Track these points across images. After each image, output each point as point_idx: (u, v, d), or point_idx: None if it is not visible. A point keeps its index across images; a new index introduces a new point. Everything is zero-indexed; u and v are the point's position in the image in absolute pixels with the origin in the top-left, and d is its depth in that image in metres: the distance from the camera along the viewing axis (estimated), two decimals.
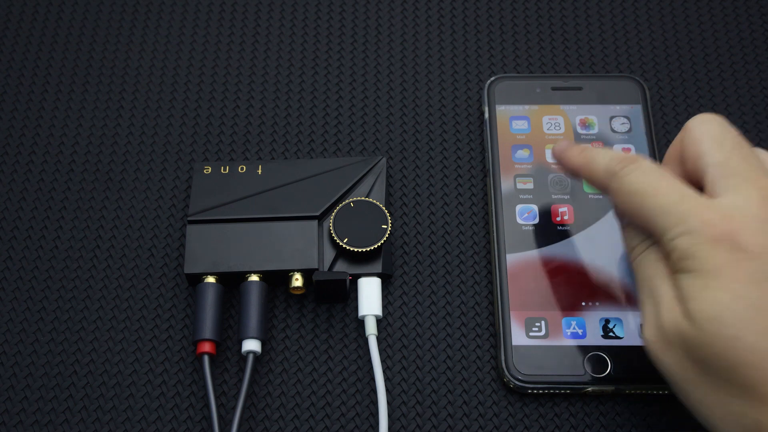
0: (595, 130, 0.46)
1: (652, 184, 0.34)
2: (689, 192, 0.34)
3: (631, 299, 0.42)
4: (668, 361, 0.33)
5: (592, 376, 0.40)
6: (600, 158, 0.37)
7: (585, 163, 0.38)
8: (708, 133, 0.35)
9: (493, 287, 0.43)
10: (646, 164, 0.35)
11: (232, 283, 0.43)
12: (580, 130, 0.46)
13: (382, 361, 0.42)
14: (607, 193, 0.37)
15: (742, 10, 0.52)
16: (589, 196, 0.45)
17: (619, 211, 0.38)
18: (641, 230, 0.36)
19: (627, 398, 0.41)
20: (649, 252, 0.35)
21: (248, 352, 0.41)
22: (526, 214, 0.44)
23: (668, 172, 0.35)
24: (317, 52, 0.51)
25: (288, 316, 0.43)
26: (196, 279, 0.42)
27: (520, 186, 0.45)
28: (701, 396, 0.33)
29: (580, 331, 0.41)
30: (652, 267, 0.35)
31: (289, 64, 0.50)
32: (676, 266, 0.33)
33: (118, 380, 0.42)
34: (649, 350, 0.34)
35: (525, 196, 0.45)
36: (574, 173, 0.39)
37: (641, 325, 0.35)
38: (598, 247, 0.43)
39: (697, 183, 0.36)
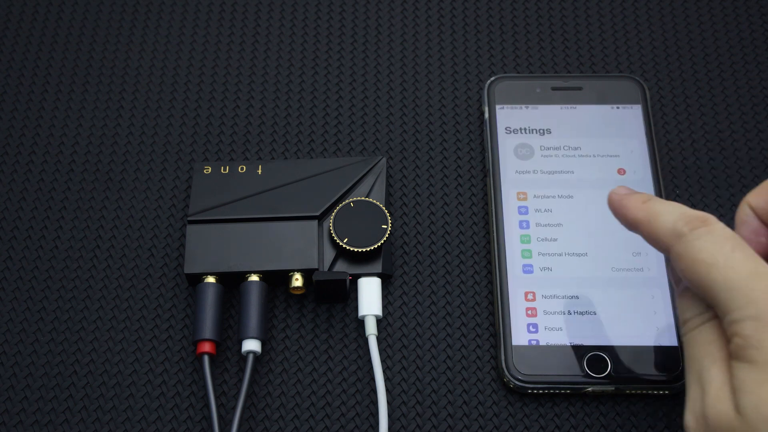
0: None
1: (724, 254, 0.30)
2: (763, 269, 0.30)
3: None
4: None
5: (592, 376, 0.40)
6: (666, 214, 0.33)
7: (647, 217, 0.34)
8: None
9: (493, 287, 0.43)
10: (719, 229, 0.31)
11: (232, 283, 0.43)
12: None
13: (382, 361, 0.42)
14: (668, 255, 0.33)
15: (742, 10, 0.52)
16: (589, 193, 0.45)
17: (677, 277, 0.34)
18: (699, 302, 0.32)
19: (627, 398, 0.41)
20: (703, 329, 0.32)
21: (248, 352, 0.41)
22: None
23: (743, 242, 0.31)
24: (317, 52, 0.51)
25: (288, 316, 0.43)
26: (196, 279, 0.42)
27: (519, 185, 0.45)
28: None
29: (580, 331, 0.41)
30: (703, 348, 0.31)
31: (289, 64, 0.50)
32: (734, 353, 0.30)
33: (118, 380, 0.42)
34: None
35: (525, 196, 0.45)
36: (633, 227, 0.35)
37: (684, 410, 0.32)
38: (596, 244, 0.43)
39: None
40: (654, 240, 0.34)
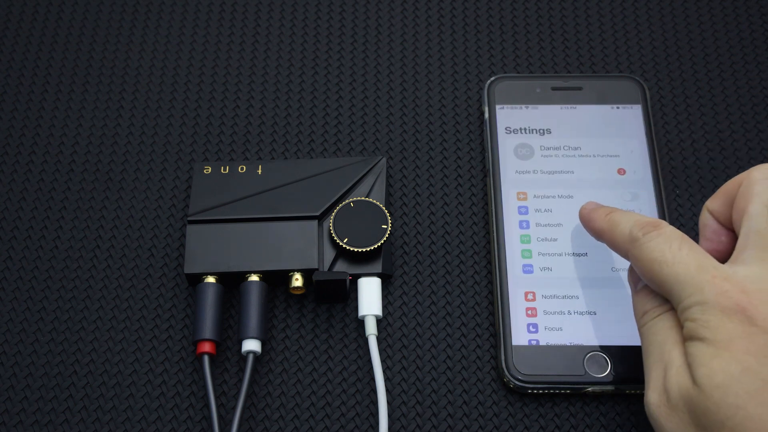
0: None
1: (672, 252, 0.35)
2: (708, 262, 0.34)
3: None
4: (668, 425, 0.33)
5: (592, 376, 0.40)
6: (624, 223, 0.37)
7: (609, 227, 0.38)
8: (763, 196, 0.35)
9: (493, 287, 0.43)
10: (668, 231, 0.35)
11: (232, 283, 0.43)
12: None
13: (382, 361, 0.42)
14: (627, 258, 0.37)
15: (742, 10, 0.52)
16: (589, 192, 0.45)
17: (634, 278, 0.38)
18: (656, 296, 0.36)
19: (627, 398, 0.41)
20: (662, 318, 0.35)
21: (248, 352, 0.41)
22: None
23: (689, 240, 0.35)
24: (317, 52, 0.51)
25: (288, 316, 0.43)
26: (196, 279, 0.42)
27: (519, 185, 0.45)
28: None
29: (580, 331, 0.41)
30: (664, 333, 0.35)
31: (289, 64, 0.50)
32: (687, 334, 0.33)
33: (118, 380, 0.42)
34: (651, 413, 0.34)
35: (525, 196, 0.45)
36: (598, 236, 0.40)
37: (645, 389, 0.35)
38: (596, 244, 0.43)
39: (733, 231, 0.37)
40: (615, 246, 0.38)
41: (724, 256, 0.37)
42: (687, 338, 0.33)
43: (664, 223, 0.36)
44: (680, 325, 0.34)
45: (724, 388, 0.31)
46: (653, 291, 0.36)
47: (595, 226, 0.40)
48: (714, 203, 0.38)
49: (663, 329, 0.35)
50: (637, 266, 0.36)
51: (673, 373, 0.33)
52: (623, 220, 0.38)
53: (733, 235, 0.37)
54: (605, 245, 0.40)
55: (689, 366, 0.33)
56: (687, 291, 0.34)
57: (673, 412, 0.33)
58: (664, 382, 0.34)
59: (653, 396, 0.34)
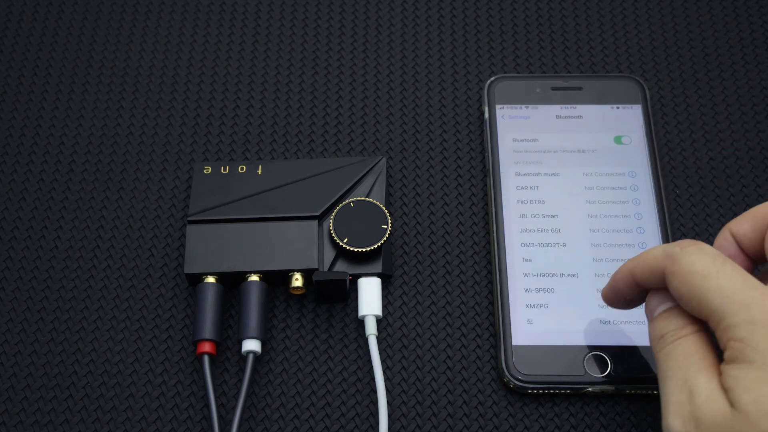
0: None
1: (715, 266, 0.32)
2: (753, 280, 0.32)
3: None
4: None
5: (592, 376, 0.40)
6: (654, 249, 0.35)
7: (637, 260, 0.35)
8: None
9: (493, 287, 0.43)
10: (708, 247, 0.33)
11: (232, 283, 0.43)
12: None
13: (382, 361, 0.42)
14: (662, 280, 0.34)
15: (742, 10, 0.52)
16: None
17: (654, 304, 0.35)
18: (680, 318, 0.34)
19: (627, 398, 0.41)
20: (684, 342, 0.33)
21: (248, 352, 0.41)
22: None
23: (729, 259, 0.33)
24: (317, 52, 0.51)
25: (288, 316, 0.43)
26: (196, 279, 0.42)
27: (519, 186, 0.45)
28: None
29: (580, 331, 0.41)
30: (687, 359, 0.33)
31: (289, 64, 0.50)
32: (730, 356, 0.31)
33: (118, 380, 0.42)
34: None
35: (525, 196, 0.45)
36: (627, 280, 0.36)
37: (663, 416, 0.33)
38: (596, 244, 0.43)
39: (751, 259, 0.35)
40: (648, 269, 0.35)
41: None
42: (729, 361, 0.31)
43: (697, 241, 0.34)
44: (705, 350, 0.32)
45: None
46: (674, 314, 0.34)
47: (621, 271, 0.36)
48: (740, 226, 0.35)
49: (685, 354, 0.33)
50: (674, 282, 0.33)
51: (704, 399, 0.31)
52: (649, 249, 0.35)
53: (751, 264, 0.35)
54: (602, 247, 0.40)
55: (727, 391, 0.31)
56: (733, 307, 0.31)
57: None
58: (691, 409, 0.31)
59: (676, 422, 0.32)
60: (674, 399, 0.32)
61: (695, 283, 0.32)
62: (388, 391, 0.41)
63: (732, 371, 0.31)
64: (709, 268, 0.32)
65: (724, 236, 0.36)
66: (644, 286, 0.36)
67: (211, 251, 0.42)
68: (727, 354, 0.31)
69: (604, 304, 0.42)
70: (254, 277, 0.42)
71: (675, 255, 0.33)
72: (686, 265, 0.33)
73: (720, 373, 0.32)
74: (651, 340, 0.35)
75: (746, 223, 0.35)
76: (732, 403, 0.30)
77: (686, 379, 0.32)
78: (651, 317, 0.35)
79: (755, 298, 0.31)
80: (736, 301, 0.31)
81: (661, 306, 0.35)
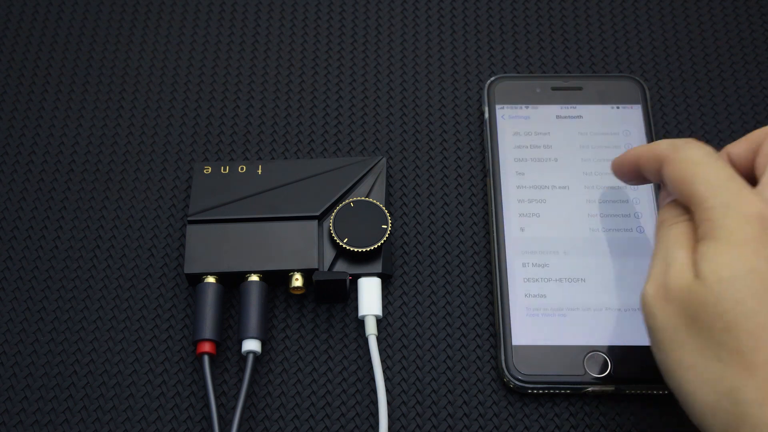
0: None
1: (710, 159, 0.35)
2: (737, 176, 0.35)
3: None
4: (662, 315, 0.34)
5: (592, 376, 0.40)
6: (661, 143, 0.38)
7: (645, 149, 0.39)
8: None
9: (493, 287, 0.43)
10: (709, 146, 0.36)
11: (232, 283, 0.43)
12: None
13: (382, 361, 0.42)
14: (662, 169, 0.37)
15: (742, 10, 0.52)
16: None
17: (664, 195, 0.39)
18: (679, 209, 0.36)
19: (627, 398, 0.41)
20: (676, 225, 0.36)
21: (248, 352, 0.41)
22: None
23: (723, 158, 0.36)
24: (317, 52, 0.51)
25: (288, 316, 0.43)
26: (196, 279, 0.42)
27: (520, 186, 0.45)
28: (682, 355, 0.33)
29: (580, 331, 0.41)
30: (674, 236, 0.35)
31: (289, 64, 0.50)
32: (702, 234, 0.34)
33: (118, 380, 0.42)
34: (645, 304, 0.35)
35: (525, 196, 0.45)
36: (635, 162, 0.39)
37: (645, 284, 0.36)
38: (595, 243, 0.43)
39: (748, 179, 0.37)
40: (654, 157, 0.38)
41: None
42: (701, 238, 0.34)
43: (698, 141, 0.37)
44: (694, 231, 0.35)
45: (728, 283, 0.32)
46: (676, 204, 0.37)
47: (632, 153, 0.40)
48: (736, 148, 0.38)
49: (675, 233, 0.36)
50: (672, 168, 0.36)
51: (677, 268, 0.34)
52: (657, 141, 0.38)
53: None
54: (603, 247, 0.40)
55: (695, 263, 0.33)
56: (714, 191, 0.34)
57: (668, 304, 0.34)
58: (664, 277, 0.34)
59: (650, 288, 0.35)
60: (654, 270, 0.35)
61: (686, 168, 0.36)
62: (388, 391, 0.41)
63: (701, 247, 0.34)
64: (703, 158, 0.36)
65: (722, 157, 0.38)
66: (644, 172, 0.39)
67: (211, 251, 0.42)
68: (700, 232, 0.34)
69: (604, 304, 0.42)
70: (254, 277, 0.42)
71: (677, 145, 0.37)
72: (684, 155, 0.36)
73: (694, 247, 0.35)
74: (657, 222, 0.38)
75: (743, 145, 0.38)
76: (696, 273, 0.33)
77: (668, 252, 0.35)
78: (660, 205, 0.39)
79: (734, 188, 0.34)
80: (717, 187, 0.34)
81: (668, 198, 0.38)
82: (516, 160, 0.45)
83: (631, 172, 0.40)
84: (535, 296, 0.42)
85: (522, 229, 0.44)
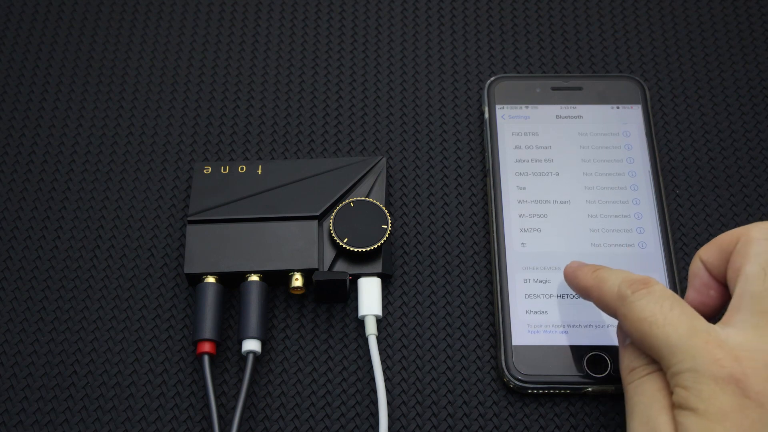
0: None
1: (663, 312, 0.33)
2: (700, 325, 0.33)
3: None
4: None
5: (592, 376, 0.40)
6: (611, 280, 0.36)
7: (596, 284, 0.37)
8: (762, 257, 0.34)
9: (493, 287, 0.43)
10: (659, 290, 0.34)
11: (232, 283, 0.43)
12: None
13: (382, 361, 0.42)
14: (615, 317, 0.36)
15: (742, 10, 0.52)
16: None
17: (622, 334, 0.37)
18: (644, 354, 0.35)
19: None
20: (649, 379, 0.34)
21: (248, 352, 0.41)
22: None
23: (680, 300, 0.34)
24: (317, 52, 0.51)
25: (288, 316, 0.43)
26: (196, 279, 0.42)
27: (520, 186, 0.45)
28: None
29: (580, 331, 0.41)
30: (650, 396, 0.34)
31: (289, 64, 0.50)
32: (677, 402, 0.32)
33: (118, 380, 0.42)
34: None
35: (525, 196, 0.45)
36: (585, 294, 0.38)
37: None
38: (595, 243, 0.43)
39: (724, 285, 0.36)
40: (603, 304, 0.37)
41: (712, 311, 0.36)
42: (677, 406, 0.32)
43: (654, 281, 0.35)
44: (668, 388, 0.33)
45: None
46: (640, 351, 0.35)
47: (580, 284, 0.38)
48: (707, 254, 0.36)
49: (650, 391, 0.34)
50: (626, 325, 0.35)
51: None
52: (611, 277, 0.36)
53: (724, 289, 0.36)
54: (602, 247, 0.40)
55: None
56: (678, 356, 0.32)
57: None
58: None
59: None
60: None
61: (643, 329, 0.34)
62: (388, 391, 0.41)
63: (680, 417, 0.32)
64: (656, 314, 0.33)
65: (695, 264, 0.37)
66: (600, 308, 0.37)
67: (211, 251, 0.42)
68: (674, 398, 0.33)
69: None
70: (254, 277, 0.42)
71: (626, 298, 0.35)
72: (636, 310, 0.34)
73: (672, 407, 0.33)
74: (621, 370, 0.36)
75: (713, 251, 0.36)
76: None
77: (649, 417, 0.33)
78: (622, 343, 0.37)
79: (698, 347, 0.32)
80: (681, 350, 0.32)
81: (627, 339, 0.36)
82: (516, 161, 0.45)
83: (584, 297, 0.39)
84: (535, 296, 0.42)
85: (522, 229, 0.44)
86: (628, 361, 0.36)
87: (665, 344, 0.33)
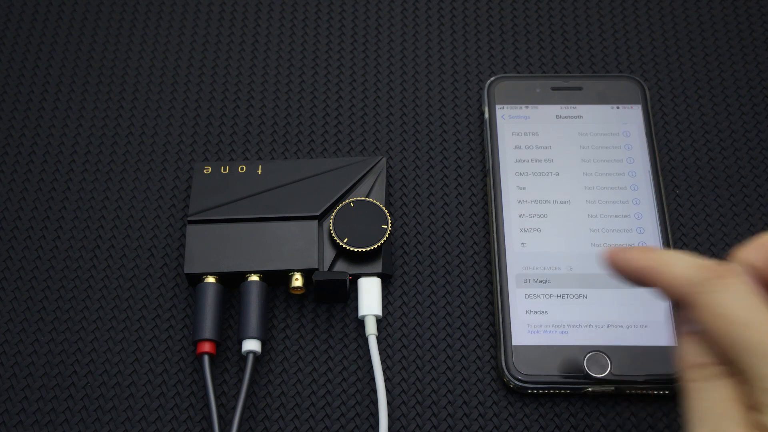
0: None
1: (751, 313, 0.28)
2: None
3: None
4: None
5: (592, 376, 0.40)
6: (678, 263, 0.31)
7: (656, 266, 0.32)
8: None
9: (493, 287, 0.43)
10: (742, 285, 0.29)
11: (232, 283, 0.43)
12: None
13: (382, 361, 0.42)
14: (681, 303, 0.31)
15: (742, 10, 0.52)
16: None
17: (686, 321, 0.32)
18: (714, 351, 0.30)
19: (627, 398, 0.41)
20: (720, 385, 0.29)
21: (248, 352, 0.41)
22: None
23: (765, 300, 0.29)
24: (317, 52, 0.51)
25: (288, 316, 0.43)
26: (196, 279, 0.42)
27: (520, 186, 0.45)
28: None
29: (580, 331, 0.41)
30: (721, 405, 0.29)
31: (289, 64, 0.50)
32: (763, 419, 0.28)
33: (118, 380, 0.42)
34: None
35: (525, 196, 0.45)
36: (638, 277, 0.33)
37: None
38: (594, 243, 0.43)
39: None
40: (668, 287, 0.32)
41: None
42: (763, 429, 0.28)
43: (735, 267, 0.30)
44: (744, 400, 0.29)
45: None
46: (707, 346, 0.30)
47: (633, 265, 0.33)
48: (754, 257, 0.31)
49: (722, 400, 0.29)
50: (703, 317, 0.30)
51: None
52: (674, 259, 0.31)
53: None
54: (602, 247, 0.40)
55: None
56: None
57: None
58: None
59: None
60: None
61: (729, 330, 0.29)
62: (388, 391, 0.41)
63: None
64: (744, 314, 0.29)
65: (746, 274, 0.31)
66: (658, 291, 0.33)
67: (211, 251, 0.42)
68: (759, 417, 0.28)
69: (604, 303, 0.42)
70: (254, 277, 0.42)
71: (703, 286, 0.30)
72: (717, 305, 0.29)
73: (753, 426, 0.28)
74: (680, 361, 0.31)
75: (759, 253, 0.31)
76: None
77: (717, 429, 0.29)
78: (683, 330, 0.32)
79: None
80: None
81: (690, 325, 0.31)
82: (516, 161, 0.45)
83: (636, 280, 0.33)
84: (535, 296, 0.42)
85: (522, 229, 0.44)
86: (692, 354, 0.31)
87: (754, 353, 0.28)
